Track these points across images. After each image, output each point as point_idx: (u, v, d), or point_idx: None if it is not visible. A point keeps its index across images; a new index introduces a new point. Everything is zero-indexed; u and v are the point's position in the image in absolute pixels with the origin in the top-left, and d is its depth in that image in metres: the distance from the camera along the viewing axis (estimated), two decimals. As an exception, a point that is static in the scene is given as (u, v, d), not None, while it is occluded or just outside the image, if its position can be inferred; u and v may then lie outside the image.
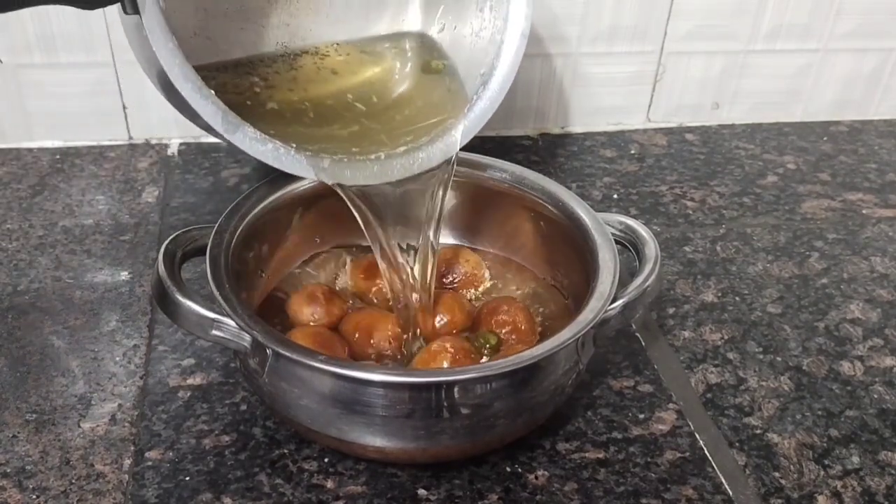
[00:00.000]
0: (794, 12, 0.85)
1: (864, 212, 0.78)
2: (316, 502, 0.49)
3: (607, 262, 0.53)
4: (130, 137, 0.81)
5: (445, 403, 0.47)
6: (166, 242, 0.52)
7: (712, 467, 0.53)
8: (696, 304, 0.66)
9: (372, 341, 0.55)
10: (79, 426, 0.53)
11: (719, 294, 0.67)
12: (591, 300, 0.51)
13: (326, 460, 0.52)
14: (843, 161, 0.86)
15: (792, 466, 0.53)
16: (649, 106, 0.88)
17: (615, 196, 0.78)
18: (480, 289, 0.62)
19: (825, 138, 0.90)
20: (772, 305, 0.66)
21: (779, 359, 0.61)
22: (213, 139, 0.80)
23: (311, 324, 0.57)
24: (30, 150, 0.79)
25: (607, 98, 0.87)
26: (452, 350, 0.52)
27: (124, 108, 0.80)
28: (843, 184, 0.82)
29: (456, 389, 0.47)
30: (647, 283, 0.53)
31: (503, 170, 0.62)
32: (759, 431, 0.55)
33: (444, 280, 0.61)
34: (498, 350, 0.56)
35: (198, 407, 0.55)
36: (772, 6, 0.84)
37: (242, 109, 0.50)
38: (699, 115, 0.90)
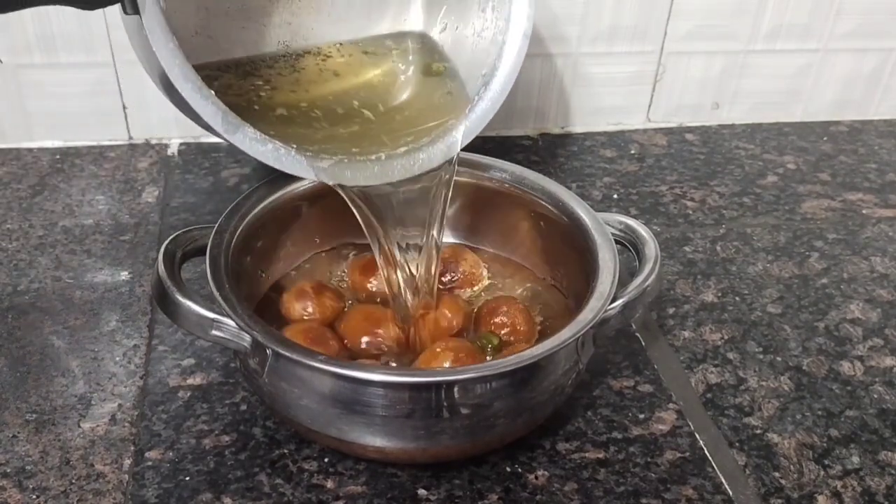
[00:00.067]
0: (794, 12, 0.85)
1: (864, 212, 0.78)
2: (316, 502, 0.49)
3: (607, 262, 0.53)
4: (130, 137, 0.81)
5: (445, 403, 0.47)
6: (166, 242, 0.52)
7: (712, 467, 0.53)
8: (696, 304, 0.66)
9: (371, 339, 0.55)
10: (79, 426, 0.53)
11: (719, 294, 0.67)
12: (591, 300, 0.51)
13: (326, 460, 0.52)
14: (843, 161, 0.86)
15: (792, 466, 0.53)
16: (649, 106, 0.88)
17: (615, 196, 0.78)
18: (479, 288, 0.62)
19: (825, 138, 0.90)
20: (772, 305, 0.66)
21: (779, 359, 0.61)
22: (213, 139, 0.81)
23: (304, 318, 0.57)
24: (30, 150, 0.79)
25: (607, 98, 0.87)
26: (454, 350, 0.52)
27: (124, 108, 0.80)
28: (843, 184, 0.82)
29: (456, 389, 0.47)
30: (647, 283, 0.53)
31: (503, 170, 0.62)
32: (759, 431, 0.55)
33: (443, 279, 0.61)
34: (500, 350, 0.56)
35: (198, 407, 0.55)
36: (772, 6, 0.84)
37: (244, 110, 0.50)
38: (699, 115, 0.90)
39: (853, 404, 0.58)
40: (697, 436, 0.55)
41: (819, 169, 0.84)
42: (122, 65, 0.77)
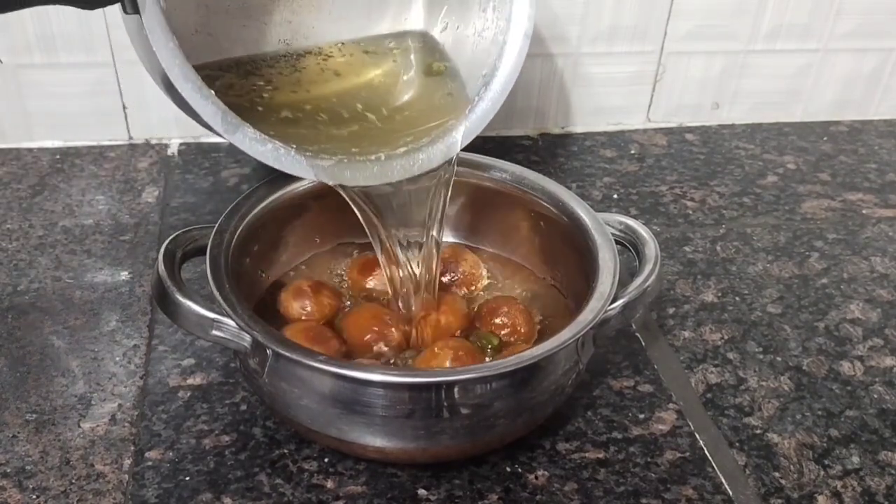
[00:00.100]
0: (794, 12, 0.85)
1: (864, 212, 0.78)
2: (316, 502, 0.49)
3: (607, 262, 0.53)
4: (130, 137, 0.81)
5: (445, 403, 0.47)
6: (166, 242, 0.52)
7: (712, 467, 0.53)
8: (696, 304, 0.66)
9: (372, 338, 0.55)
10: (79, 426, 0.53)
11: (719, 294, 0.67)
12: (591, 300, 0.51)
13: (326, 460, 0.52)
14: (843, 161, 0.86)
15: (792, 466, 0.53)
16: (649, 106, 0.88)
17: (615, 196, 0.78)
18: (479, 288, 0.62)
19: (825, 138, 0.90)
20: (772, 305, 0.66)
21: (779, 359, 0.61)
22: (213, 139, 0.81)
23: (303, 318, 0.57)
24: (30, 150, 0.79)
25: (607, 98, 0.87)
26: (454, 351, 0.52)
27: (124, 108, 0.80)
28: (843, 184, 0.82)
29: (456, 389, 0.47)
30: (647, 283, 0.53)
31: (503, 170, 0.62)
32: (759, 431, 0.55)
33: (443, 279, 0.61)
34: (500, 351, 0.56)
35: (198, 407, 0.55)
36: (772, 6, 0.84)
37: (245, 110, 0.50)
38: (699, 115, 0.90)
39: (853, 404, 0.58)
40: (697, 436, 0.55)
41: (819, 169, 0.84)
42: (122, 65, 0.77)
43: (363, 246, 0.62)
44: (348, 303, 0.60)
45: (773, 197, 0.80)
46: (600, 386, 0.58)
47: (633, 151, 0.85)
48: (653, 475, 0.52)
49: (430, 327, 0.56)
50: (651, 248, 0.55)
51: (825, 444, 0.55)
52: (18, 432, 0.52)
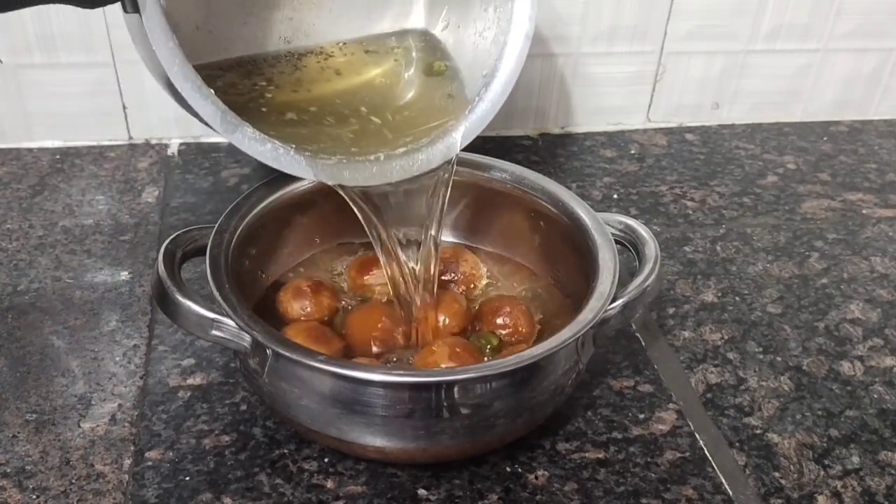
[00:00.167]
0: (794, 12, 0.85)
1: (864, 212, 0.78)
2: (316, 502, 0.49)
3: (607, 262, 0.53)
4: (130, 137, 0.81)
5: (445, 403, 0.47)
6: (166, 242, 0.52)
7: (712, 467, 0.53)
8: (696, 304, 0.66)
9: (373, 338, 0.55)
10: (79, 426, 0.53)
11: (719, 294, 0.67)
12: (591, 300, 0.51)
13: (326, 460, 0.52)
14: (843, 161, 0.86)
15: (792, 466, 0.53)
16: (649, 106, 0.88)
17: (615, 196, 0.78)
18: (479, 288, 0.62)
19: (825, 138, 0.90)
20: (772, 305, 0.66)
21: (779, 359, 0.61)
22: (213, 139, 0.81)
23: (303, 318, 0.57)
24: (30, 150, 0.79)
25: (607, 98, 0.87)
26: (453, 350, 0.52)
27: (124, 108, 0.80)
28: (843, 184, 0.82)
29: (456, 389, 0.47)
30: (647, 283, 0.53)
31: (503, 170, 0.62)
32: (759, 431, 0.55)
33: (443, 279, 0.61)
34: (499, 350, 0.56)
35: (198, 407, 0.55)
36: (772, 6, 0.84)
37: (245, 109, 0.50)
38: (699, 115, 0.90)
39: (853, 404, 0.58)
40: (697, 436, 0.55)
41: (819, 169, 0.84)
42: (122, 65, 0.77)
43: (363, 246, 0.62)
44: (344, 303, 0.60)
45: (773, 197, 0.80)
46: (600, 386, 0.58)
47: (633, 151, 0.85)
48: (653, 475, 0.52)
49: (429, 326, 0.56)
50: (651, 248, 0.55)
51: (825, 444, 0.55)
52: (18, 432, 0.52)
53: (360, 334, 0.56)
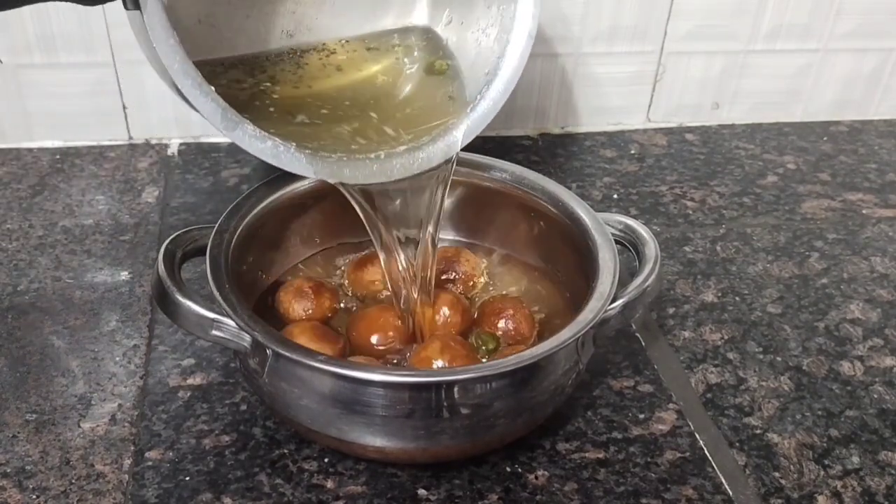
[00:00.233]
0: (794, 12, 0.85)
1: (864, 212, 0.78)
2: (316, 502, 0.49)
3: (607, 262, 0.53)
4: (130, 137, 0.81)
5: (445, 403, 0.47)
6: (166, 242, 0.52)
7: (712, 467, 0.53)
8: (696, 304, 0.66)
9: (374, 338, 0.55)
10: (79, 426, 0.53)
11: (719, 294, 0.67)
12: (591, 300, 0.50)
13: (326, 460, 0.52)
14: (843, 161, 0.86)
15: (792, 466, 0.53)
16: (649, 106, 0.88)
17: (615, 196, 0.78)
18: (478, 288, 0.62)
19: (825, 138, 0.90)
20: (772, 305, 0.66)
21: (779, 359, 0.61)
22: (213, 139, 0.81)
23: (302, 318, 0.57)
24: (30, 150, 0.79)
25: (607, 98, 0.87)
26: (446, 343, 0.52)
27: (124, 108, 0.80)
28: (843, 184, 0.82)
29: (456, 389, 0.47)
30: (647, 283, 0.53)
31: (503, 170, 0.62)
32: (759, 431, 0.55)
33: (442, 279, 0.61)
34: (496, 350, 0.56)
35: (198, 407, 0.55)
36: (772, 6, 0.84)
37: (246, 106, 0.50)
38: (699, 115, 0.90)
39: (853, 404, 0.58)
40: (697, 436, 0.55)
41: (819, 169, 0.84)
42: (122, 65, 0.77)
43: (363, 245, 0.62)
44: (345, 303, 0.60)
45: (773, 197, 0.80)
46: (600, 386, 0.58)
47: (633, 151, 0.85)
48: (653, 475, 0.52)
49: (429, 325, 0.56)
50: (651, 248, 0.55)
51: (825, 444, 0.55)
52: (18, 432, 0.52)
53: (361, 334, 0.56)
